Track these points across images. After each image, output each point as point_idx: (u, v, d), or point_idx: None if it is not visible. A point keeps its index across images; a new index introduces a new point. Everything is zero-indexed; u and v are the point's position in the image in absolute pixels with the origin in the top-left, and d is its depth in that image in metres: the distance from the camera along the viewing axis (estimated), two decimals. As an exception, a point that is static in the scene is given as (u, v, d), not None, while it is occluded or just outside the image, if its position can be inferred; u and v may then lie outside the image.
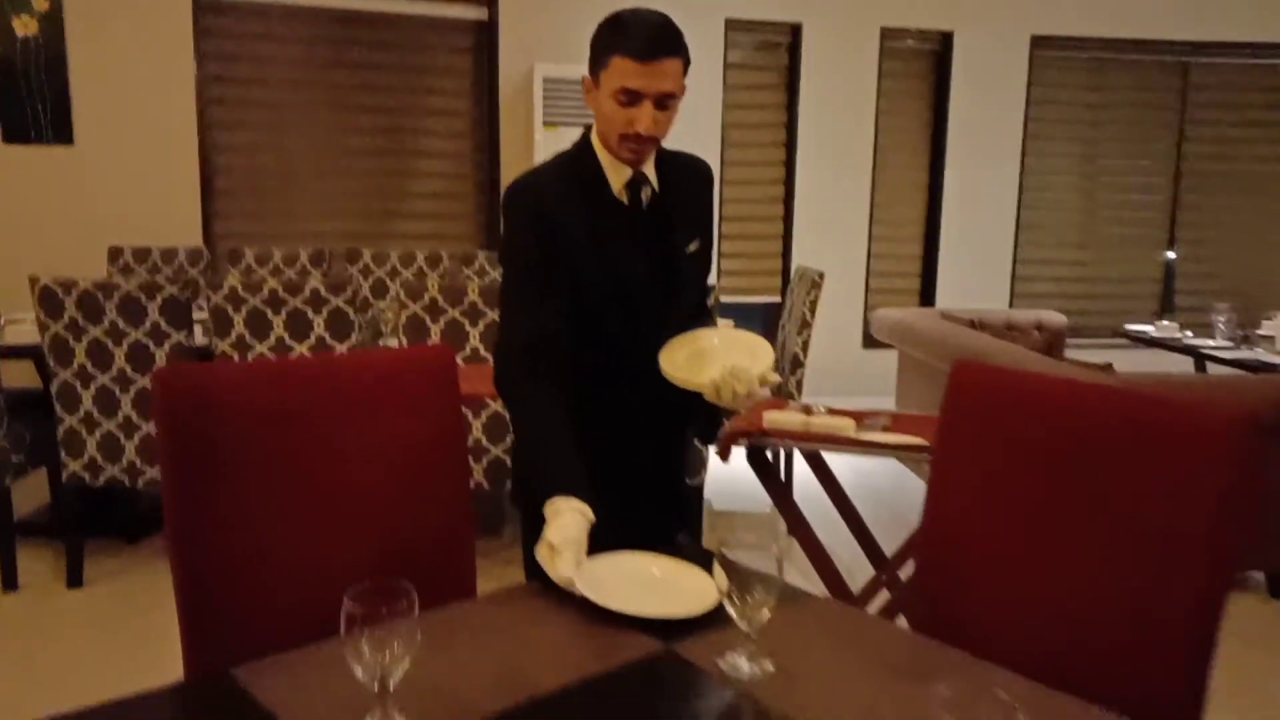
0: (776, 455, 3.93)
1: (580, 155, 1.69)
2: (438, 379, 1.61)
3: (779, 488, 2.95)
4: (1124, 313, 6.89)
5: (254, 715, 1.10)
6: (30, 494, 3.96)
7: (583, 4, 5.65)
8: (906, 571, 2.68)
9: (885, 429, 2.76)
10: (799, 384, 4.14)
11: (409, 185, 5.90)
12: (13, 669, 2.84)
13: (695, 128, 5.95)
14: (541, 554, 1.41)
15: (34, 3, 5.05)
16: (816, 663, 1.26)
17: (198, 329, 3.48)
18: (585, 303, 1.66)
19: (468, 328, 3.32)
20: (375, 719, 1.05)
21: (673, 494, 1.89)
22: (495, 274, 4.78)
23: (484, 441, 3.40)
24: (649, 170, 1.69)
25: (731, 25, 6.13)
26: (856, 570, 3.13)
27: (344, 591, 1.04)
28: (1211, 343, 5.07)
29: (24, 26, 5.07)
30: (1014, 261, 6.81)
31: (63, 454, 3.33)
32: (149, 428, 3.27)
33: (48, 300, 3.17)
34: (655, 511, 1.82)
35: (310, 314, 3.28)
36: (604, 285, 1.67)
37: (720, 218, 6.22)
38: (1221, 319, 5.13)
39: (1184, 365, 5.54)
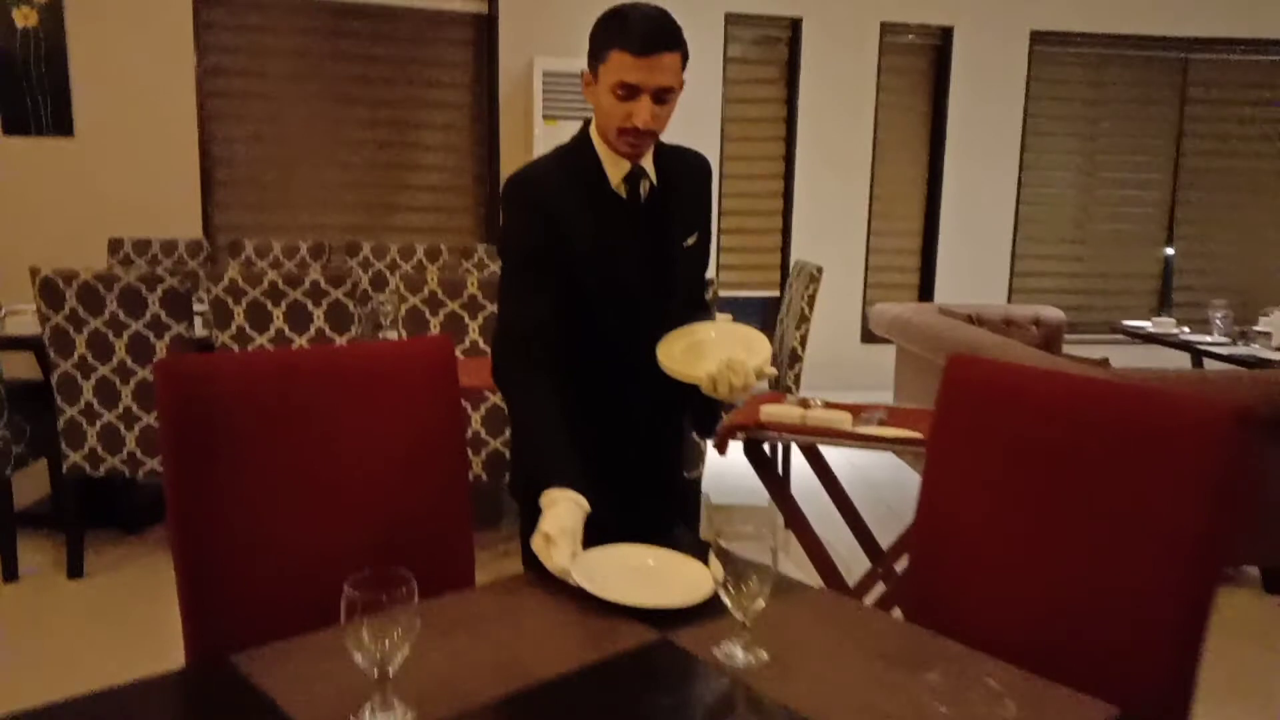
0: (774, 449, 3.95)
1: (579, 148, 1.69)
2: (437, 370, 1.62)
3: (776, 481, 2.96)
4: (1122, 309, 6.91)
5: (254, 702, 1.11)
6: (31, 485, 3.96)
7: (583, -3, 5.66)
8: (902, 565, 2.69)
9: (881, 423, 2.77)
10: (797, 378, 4.15)
11: (409, 178, 5.91)
12: (14, 659, 2.85)
13: (694, 122, 5.95)
14: (537, 544, 1.41)
15: (34, -6, 5.06)
16: (811, 652, 1.27)
17: (198, 320, 3.49)
18: (583, 295, 1.67)
19: (467, 321, 3.33)
20: (374, 706, 1.06)
21: (670, 487, 1.90)
22: (494, 267, 4.78)
23: (483, 434, 3.41)
24: (647, 164, 1.70)
25: (731, 19, 6.13)
26: (853, 563, 3.15)
27: (343, 580, 1.05)
28: (1208, 339, 5.09)
29: (24, 18, 5.07)
30: (1012, 257, 6.81)
31: (63, 445, 3.34)
32: (149, 419, 3.28)
33: (48, 291, 3.18)
34: (653, 505, 1.83)
35: (310, 306, 3.29)
36: (602, 278, 1.68)
37: (719, 212, 6.22)
38: (1219, 315, 5.15)
39: (1181, 361, 5.55)
